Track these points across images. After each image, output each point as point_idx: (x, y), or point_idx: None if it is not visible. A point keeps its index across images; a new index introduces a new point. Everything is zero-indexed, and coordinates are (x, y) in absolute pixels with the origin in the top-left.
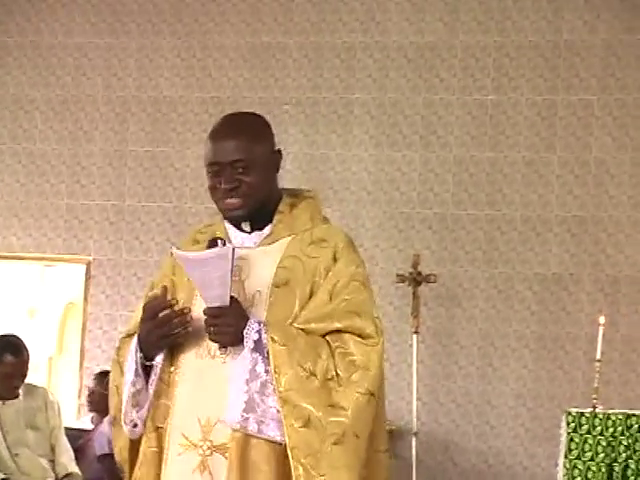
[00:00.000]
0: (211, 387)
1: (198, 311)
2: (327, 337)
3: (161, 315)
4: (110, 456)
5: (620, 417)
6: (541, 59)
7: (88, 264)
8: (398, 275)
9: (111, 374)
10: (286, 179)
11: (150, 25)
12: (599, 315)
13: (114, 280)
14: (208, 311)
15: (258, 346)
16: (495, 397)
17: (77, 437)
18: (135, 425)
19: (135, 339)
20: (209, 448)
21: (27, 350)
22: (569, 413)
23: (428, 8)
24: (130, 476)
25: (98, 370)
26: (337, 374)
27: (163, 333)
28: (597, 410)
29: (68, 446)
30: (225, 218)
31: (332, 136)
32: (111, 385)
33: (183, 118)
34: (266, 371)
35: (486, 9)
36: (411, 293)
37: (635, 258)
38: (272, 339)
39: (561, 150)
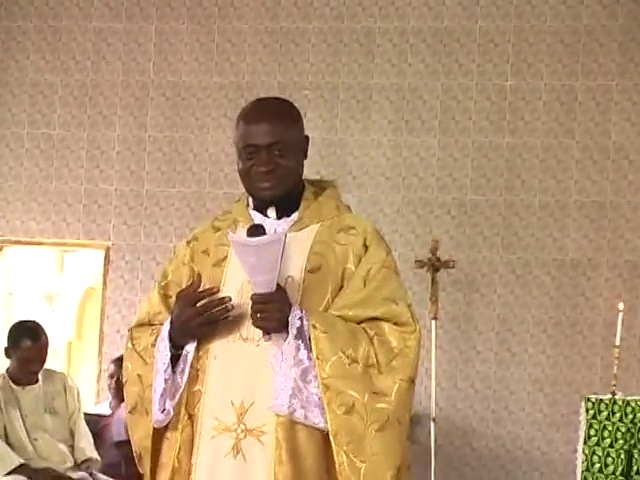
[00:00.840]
0: (244, 370)
1: (228, 294)
2: (364, 324)
3: (201, 303)
4: (128, 442)
5: (639, 403)
6: (560, 44)
7: (107, 249)
8: (417, 261)
9: (127, 363)
10: (305, 164)
11: (169, 10)
12: (618, 301)
13: (133, 265)
14: (256, 297)
15: (300, 333)
16: (513, 383)
17: (96, 422)
18: (167, 412)
19: (166, 327)
20: (243, 431)
21: (46, 335)
22: (588, 399)
23: None
24: (154, 464)
25: (118, 355)
26: (377, 361)
27: (202, 321)
28: (616, 396)
29: (87, 431)
30: (256, 200)
31: (351, 121)
32: (130, 373)
33: (202, 103)
34: (308, 358)
35: None
36: (430, 279)
37: None
38: (314, 326)
39: (580, 135)
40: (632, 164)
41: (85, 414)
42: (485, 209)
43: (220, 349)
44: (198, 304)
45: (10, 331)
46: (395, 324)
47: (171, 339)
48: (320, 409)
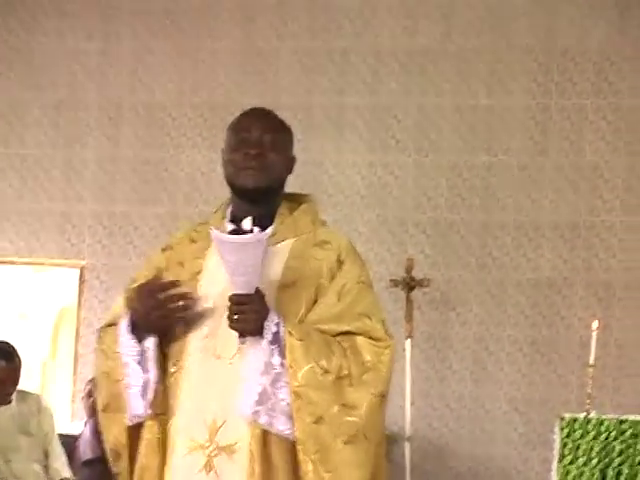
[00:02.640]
0: (217, 387)
1: (200, 307)
2: (338, 338)
3: (163, 295)
4: (95, 461)
5: (613, 422)
6: (534, 63)
7: (81, 268)
8: (391, 280)
9: (95, 363)
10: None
11: (143, 29)
12: (592, 319)
13: (107, 284)
14: (235, 297)
15: (276, 338)
16: (489, 402)
17: (71, 443)
18: (144, 410)
19: (125, 320)
20: (215, 449)
21: (19, 356)
22: (562, 418)
23: (421, 12)
24: (130, 462)
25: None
26: (349, 373)
27: (162, 314)
28: (590, 415)
29: (62, 451)
30: (237, 190)
31: (325, 141)
32: (97, 376)
33: (176, 122)
34: (281, 364)
35: (479, 13)
36: (404, 298)
37: (628, 263)
38: (290, 333)
39: (554, 154)
40: (606, 183)
41: (60, 435)
42: (460, 228)
43: (193, 365)
44: (159, 296)
45: None
46: (369, 338)
47: (133, 332)
48: (287, 417)
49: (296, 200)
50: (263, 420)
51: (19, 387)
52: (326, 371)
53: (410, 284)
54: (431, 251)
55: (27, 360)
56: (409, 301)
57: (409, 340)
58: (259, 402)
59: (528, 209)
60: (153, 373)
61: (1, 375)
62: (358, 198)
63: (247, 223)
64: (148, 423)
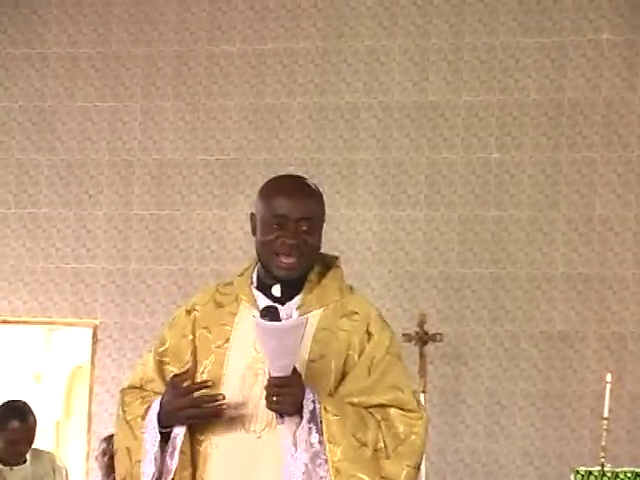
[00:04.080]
0: (245, 462)
1: (227, 382)
2: (370, 409)
3: (196, 394)
4: None
5: (629, 475)
6: (544, 117)
7: (95, 327)
8: (404, 334)
9: (117, 431)
10: None
11: (154, 88)
12: (606, 372)
13: (121, 343)
14: (274, 381)
15: (312, 416)
16: (503, 456)
17: None
18: None
19: (155, 407)
20: None
21: (34, 415)
22: (577, 472)
23: (431, 67)
24: None
25: (107, 433)
26: (385, 445)
27: (192, 414)
28: (605, 468)
29: None
30: (269, 274)
31: (336, 196)
32: (119, 445)
33: (188, 180)
34: (320, 442)
35: (489, 68)
36: (418, 352)
37: None
38: (325, 409)
39: (565, 208)
40: (617, 236)
41: None
42: (472, 282)
43: (221, 439)
44: (192, 395)
45: None
46: (402, 410)
47: (159, 419)
48: None
49: (323, 262)
50: None
51: (33, 446)
52: (363, 444)
53: (423, 339)
54: (443, 305)
55: (41, 419)
56: (422, 356)
57: (422, 395)
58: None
59: (540, 262)
60: (175, 461)
61: (16, 435)
62: (369, 254)
63: (276, 290)
64: None
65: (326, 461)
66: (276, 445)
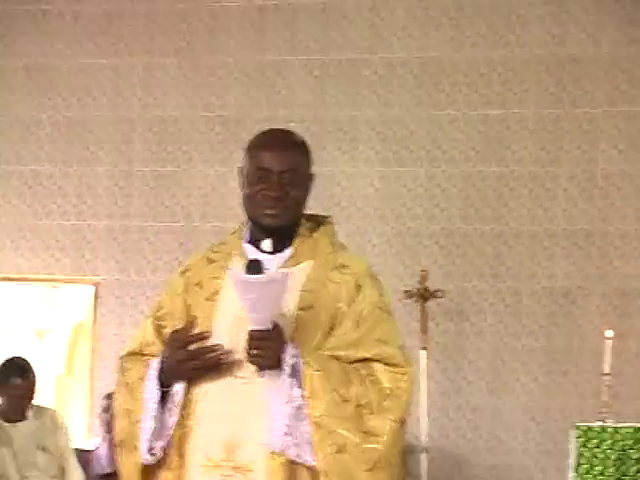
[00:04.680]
0: (234, 408)
1: (217, 332)
2: (356, 365)
3: (193, 347)
4: (112, 475)
5: (629, 430)
6: (546, 73)
7: (96, 285)
8: (406, 291)
9: (117, 395)
10: None
11: (154, 45)
12: (607, 328)
13: (122, 300)
14: (254, 334)
15: (294, 371)
16: (505, 412)
17: (87, 458)
18: (154, 454)
19: (155, 365)
20: (232, 468)
21: (34, 372)
22: (578, 427)
23: (432, 24)
24: None
25: (110, 390)
26: (369, 401)
27: (195, 366)
28: (606, 424)
29: (78, 467)
30: (257, 227)
31: (338, 153)
32: (119, 408)
33: (189, 137)
34: (301, 396)
35: (490, 24)
36: (419, 309)
37: None
38: (307, 363)
39: (567, 164)
40: (619, 191)
41: (76, 450)
42: (474, 239)
43: (210, 386)
44: (190, 347)
45: None
46: (387, 365)
47: (160, 377)
48: (312, 447)
49: (315, 220)
50: (292, 452)
51: (35, 403)
52: (345, 400)
53: (424, 295)
54: (445, 262)
55: (43, 376)
56: (424, 312)
57: (424, 351)
58: (287, 434)
59: (542, 218)
60: (175, 417)
61: (17, 391)
62: (371, 210)
63: (267, 245)
64: (175, 462)
65: (308, 416)
66: (263, 392)
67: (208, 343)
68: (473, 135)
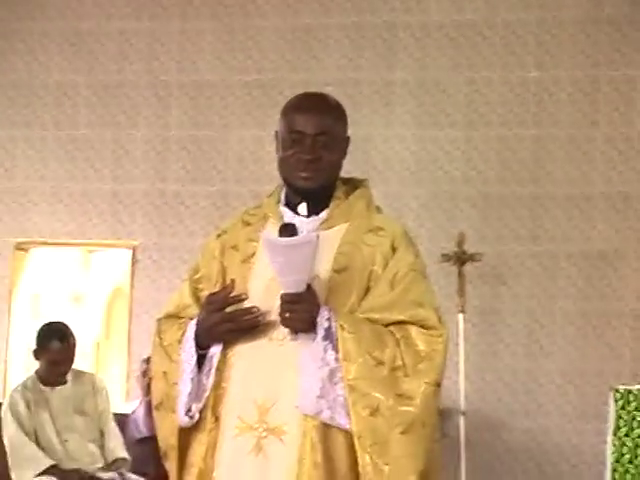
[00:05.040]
0: (268, 369)
1: (252, 294)
2: (391, 327)
3: (229, 309)
4: (148, 439)
5: None
6: (582, 34)
7: (133, 249)
8: (443, 254)
9: (154, 358)
10: None
11: (191, 8)
12: None
13: (160, 264)
14: (285, 297)
15: (328, 334)
16: (542, 375)
17: (125, 422)
18: (192, 416)
19: (192, 327)
20: (265, 430)
21: (73, 336)
22: (616, 390)
23: None
24: (180, 463)
25: (148, 354)
26: (403, 364)
27: (229, 328)
28: None
29: (117, 431)
30: (292, 189)
31: (374, 116)
32: (156, 370)
33: (225, 101)
34: (335, 359)
35: None
36: (456, 272)
37: None
38: (341, 327)
39: (604, 126)
40: None
41: (114, 414)
42: (510, 202)
43: (244, 348)
44: (226, 310)
45: (38, 333)
46: (422, 327)
47: (196, 339)
48: (347, 411)
49: (351, 184)
50: (325, 415)
51: (74, 367)
52: (380, 362)
53: (462, 258)
54: (482, 225)
55: (81, 341)
56: (461, 276)
57: (461, 315)
58: (320, 397)
59: (579, 181)
60: (212, 378)
61: (56, 355)
62: (408, 173)
63: (303, 208)
64: (209, 427)
65: (342, 379)
66: (297, 354)
67: (244, 305)
68: (510, 98)
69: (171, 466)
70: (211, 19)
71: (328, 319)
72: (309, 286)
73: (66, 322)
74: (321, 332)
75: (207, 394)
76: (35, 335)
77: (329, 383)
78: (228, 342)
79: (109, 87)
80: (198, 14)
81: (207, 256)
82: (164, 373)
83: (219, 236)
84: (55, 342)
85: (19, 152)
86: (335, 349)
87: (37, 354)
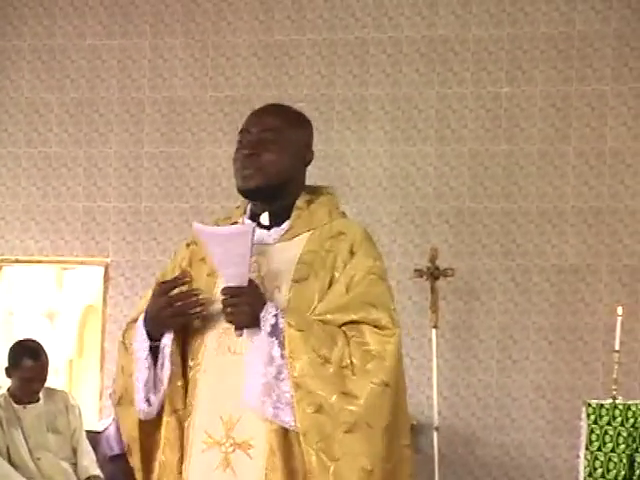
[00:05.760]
0: (232, 383)
1: (218, 304)
2: (343, 327)
3: (175, 292)
4: (122, 456)
5: None
6: (554, 50)
7: (106, 266)
8: (416, 270)
9: (117, 358)
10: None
11: (163, 25)
12: (617, 305)
13: (133, 281)
14: (226, 290)
15: (274, 330)
16: (515, 390)
17: (98, 440)
18: (150, 403)
19: (142, 317)
20: (231, 445)
21: (46, 354)
22: (589, 404)
23: (440, 2)
24: (142, 456)
25: None
26: (352, 362)
27: (175, 311)
28: (617, 401)
29: (90, 449)
30: (239, 191)
31: (347, 132)
32: (117, 368)
33: (198, 118)
34: (282, 356)
35: (498, 1)
36: (429, 287)
37: None
38: (289, 324)
39: (576, 141)
40: (629, 168)
41: (87, 432)
42: (483, 217)
43: (209, 362)
44: (173, 292)
45: (10, 350)
46: (375, 327)
47: (149, 331)
48: (291, 408)
49: (316, 192)
50: (269, 412)
51: (46, 385)
52: (326, 361)
53: (434, 274)
54: (454, 240)
55: (54, 358)
56: (434, 291)
57: (434, 330)
58: (264, 393)
59: (551, 196)
60: (167, 370)
61: (29, 373)
62: (380, 189)
63: (264, 218)
64: (166, 420)
65: (288, 376)
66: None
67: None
68: (482, 113)
69: (135, 459)
70: (183, 35)
71: (275, 315)
72: (252, 281)
73: (39, 340)
74: (267, 328)
75: (164, 386)
76: (7, 353)
77: (275, 380)
78: (189, 354)
79: (81, 104)
80: (170, 31)
81: (175, 262)
82: (122, 367)
83: (188, 245)
84: (27, 360)
85: None
86: (281, 345)
87: (9, 372)
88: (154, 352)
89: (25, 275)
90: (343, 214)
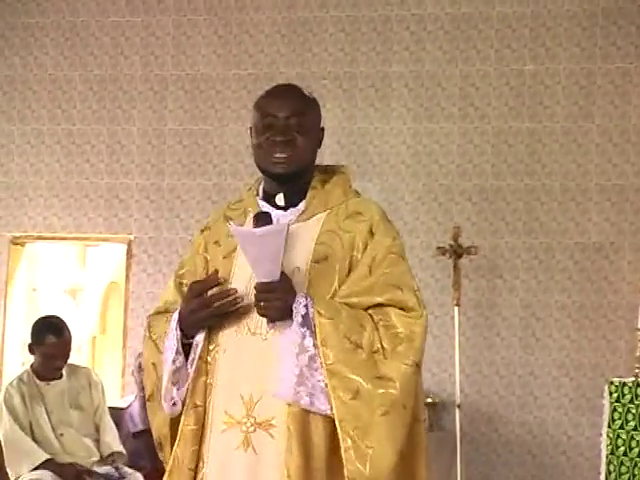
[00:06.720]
0: (252, 364)
1: (236, 288)
2: (370, 311)
3: (209, 293)
4: (145, 432)
5: None
6: (578, 27)
7: (129, 243)
8: (438, 248)
9: (144, 352)
10: (325, 154)
11: (186, 2)
12: None
13: (155, 258)
14: (259, 286)
15: (305, 320)
16: (538, 367)
17: (121, 416)
18: (174, 403)
19: (175, 316)
20: (252, 425)
21: (69, 330)
22: (612, 383)
23: None
24: (171, 452)
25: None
26: (382, 346)
27: (211, 312)
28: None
29: (112, 425)
30: (267, 175)
31: (370, 110)
32: (146, 363)
33: (221, 95)
34: (314, 345)
35: None
36: (452, 266)
37: None
38: (318, 312)
39: (599, 119)
40: None
41: (110, 408)
42: (506, 194)
43: (229, 343)
44: (207, 294)
45: (33, 327)
46: (401, 309)
47: (182, 329)
48: (326, 396)
49: (329, 172)
50: (305, 401)
51: (69, 361)
52: (358, 346)
53: (457, 252)
54: (477, 218)
55: (77, 335)
56: (456, 269)
57: (457, 308)
58: (298, 383)
59: (574, 174)
60: (194, 368)
61: (51, 349)
62: (403, 167)
63: (280, 199)
64: (186, 414)
65: (321, 364)
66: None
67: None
68: (505, 91)
69: (166, 456)
70: (206, 13)
71: (305, 306)
72: (283, 274)
73: (62, 316)
74: (298, 319)
75: (187, 383)
76: (30, 329)
77: (308, 369)
78: (213, 332)
79: (104, 81)
80: (193, 8)
81: (192, 251)
82: (153, 365)
83: (202, 232)
84: (50, 336)
85: (14, 147)
86: (313, 335)
87: (32, 348)
88: (186, 349)
89: (48, 252)
90: (357, 192)
